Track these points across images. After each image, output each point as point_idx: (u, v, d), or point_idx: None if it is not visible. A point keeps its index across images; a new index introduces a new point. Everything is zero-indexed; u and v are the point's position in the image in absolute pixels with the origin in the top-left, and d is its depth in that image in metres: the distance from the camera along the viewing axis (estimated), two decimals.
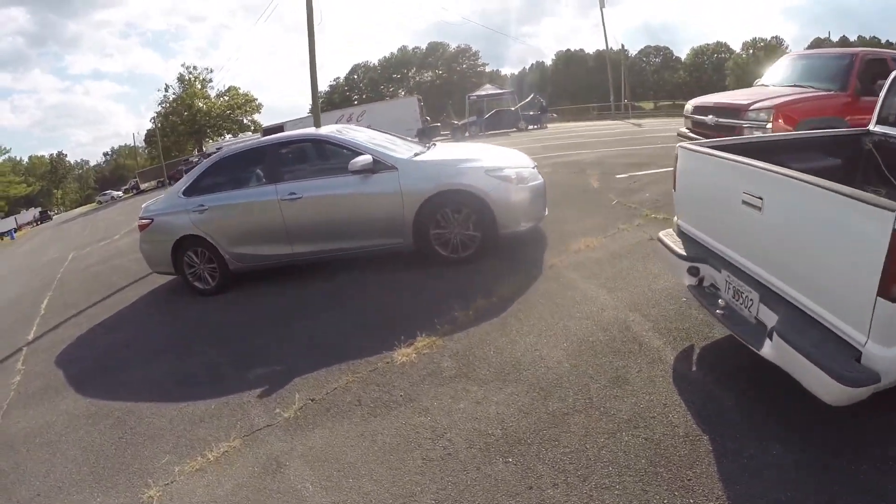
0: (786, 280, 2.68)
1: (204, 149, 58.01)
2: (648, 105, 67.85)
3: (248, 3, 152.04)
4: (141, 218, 7.36)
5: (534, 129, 31.75)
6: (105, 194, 61.60)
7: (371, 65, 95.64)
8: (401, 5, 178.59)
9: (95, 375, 5.51)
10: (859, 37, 72.00)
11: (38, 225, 57.64)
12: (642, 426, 3.01)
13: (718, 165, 3.19)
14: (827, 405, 2.41)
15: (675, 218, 3.87)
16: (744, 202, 2.83)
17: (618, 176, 10.11)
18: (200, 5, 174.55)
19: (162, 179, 50.41)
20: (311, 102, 18.55)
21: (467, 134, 30.92)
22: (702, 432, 2.89)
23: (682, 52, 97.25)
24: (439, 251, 6.21)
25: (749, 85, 10.35)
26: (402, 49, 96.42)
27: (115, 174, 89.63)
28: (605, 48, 49.53)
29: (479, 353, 4.20)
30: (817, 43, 75.26)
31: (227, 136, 61.18)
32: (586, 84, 79.51)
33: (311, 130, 7.42)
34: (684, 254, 3.49)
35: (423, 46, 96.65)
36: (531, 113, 33.71)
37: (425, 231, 6.16)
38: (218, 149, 43.17)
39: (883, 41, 67.61)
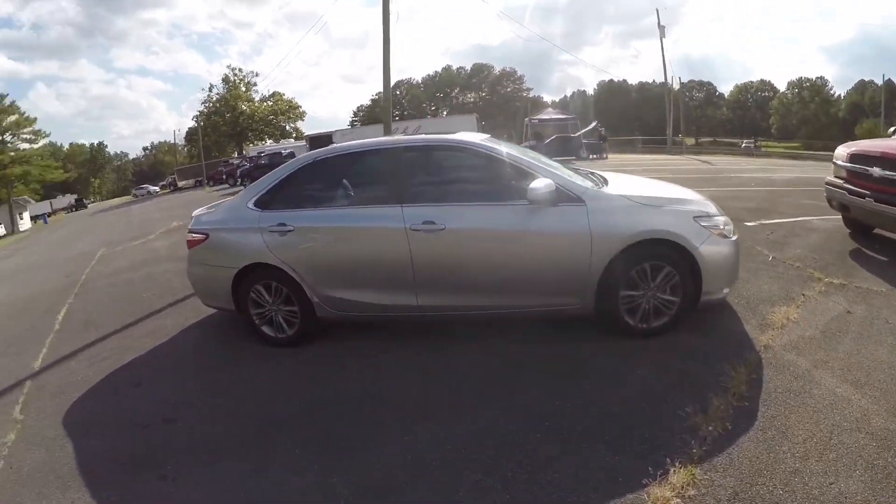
0: None
1: (244, 151, 57.80)
2: (690, 140, 66.22)
3: (293, 14, 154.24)
4: (191, 231, 5.48)
5: (594, 158, 30.32)
6: (142, 188, 61.77)
7: (414, 82, 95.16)
8: (446, 25, 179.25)
9: (122, 469, 3.73)
10: None
11: (72, 212, 59.19)
12: None
13: None
14: None
15: None
16: None
17: (747, 224, 8.78)
18: (246, 12, 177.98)
19: (200, 178, 49.76)
20: (381, 98, 16.99)
21: None
22: None
23: (725, 89, 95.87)
24: (627, 320, 4.54)
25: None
26: (447, 68, 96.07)
27: (153, 169, 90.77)
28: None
29: (765, 493, 2.85)
30: (862, 85, 73.66)
31: (269, 141, 60.79)
32: (628, 116, 78.46)
33: (459, 136, 5.31)
34: None
35: (468, 67, 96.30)
36: (591, 141, 32.07)
37: (614, 291, 4.46)
38: (260, 153, 42.80)
39: None
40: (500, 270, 4.58)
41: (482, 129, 34.45)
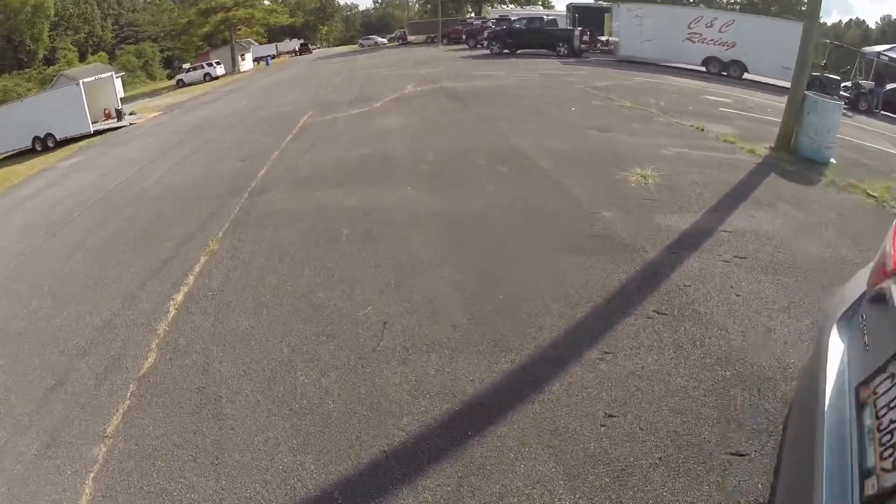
0: None
1: (483, 13, 52.65)
2: None
3: None
4: None
5: None
6: (369, 38, 59.37)
7: None
8: None
9: None
10: None
11: (296, 55, 59.12)
12: None
13: None
14: None
15: None
16: None
17: None
18: None
19: (433, 35, 45.47)
20: None
21: (864, 106, 17.62)
22: None
23: None
24: None
25: None
26: None
27: (381, 22, 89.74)
28: None
29: None
30: None
31: (510, 6, 54.33)
32: None
33: None
34: None
35: None
36: None
37: None
38: (507, 17, 36.37)
39: None
40: None
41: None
